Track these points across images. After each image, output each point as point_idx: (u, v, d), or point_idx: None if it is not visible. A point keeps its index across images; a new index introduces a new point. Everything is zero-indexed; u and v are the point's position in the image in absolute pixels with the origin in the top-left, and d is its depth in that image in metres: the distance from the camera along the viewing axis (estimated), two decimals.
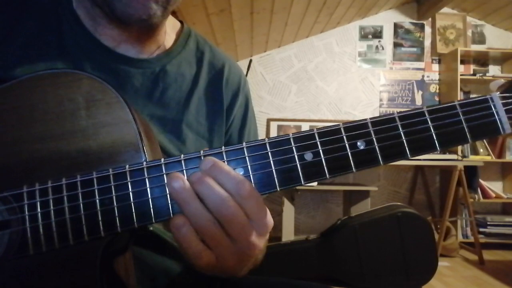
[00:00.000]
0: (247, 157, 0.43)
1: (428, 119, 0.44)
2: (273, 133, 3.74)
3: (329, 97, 3.82)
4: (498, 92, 0.46)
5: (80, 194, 0.42)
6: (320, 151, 0.43)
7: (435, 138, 0.44)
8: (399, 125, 0.44)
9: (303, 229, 3.71)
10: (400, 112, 0.45)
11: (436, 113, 0.45)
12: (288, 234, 2.88)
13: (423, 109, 0.45)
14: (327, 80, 3.82)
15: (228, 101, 0.71)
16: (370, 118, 0.44)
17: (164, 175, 0.42)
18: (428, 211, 3.68)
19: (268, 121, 3.73)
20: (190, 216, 0.40)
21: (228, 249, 0.42)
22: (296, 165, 0.43)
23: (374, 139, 0.44)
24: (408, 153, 0.44)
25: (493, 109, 0.45)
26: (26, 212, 0.42)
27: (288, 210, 2.92)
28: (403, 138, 0.44)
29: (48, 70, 0.48)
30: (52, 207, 0.42)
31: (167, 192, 0.42)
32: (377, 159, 0.44)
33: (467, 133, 0.44)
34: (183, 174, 0.42)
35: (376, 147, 0.44)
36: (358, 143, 0.44)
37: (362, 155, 0.44)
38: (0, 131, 0.45)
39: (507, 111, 0.45)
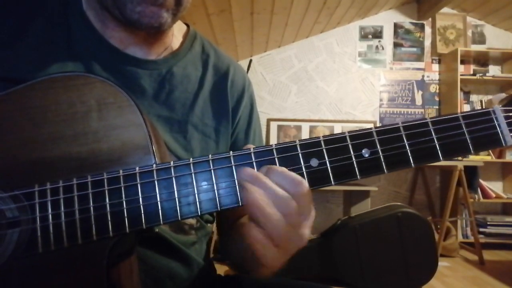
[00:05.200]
0: (254, 162, 0.44)
1: (432, 130, 0.46)
2: (273, 133, 3.74)
3: (329, 97, 3.82)
4: (500, 105, 0.47)
5: (90, 194, 0.43)
6: (326, 158, 0.45)
7: (438, 148, 0.46)
8: (404, 135, 0.46)
9: None
10: (405, 122, 0.46)
11: (440, 124, 0.46)
12: None
13: (427, 120, 0.46)
14: (327, 80, 3.83)
15: (234, 103, 0.72)
16: (375, 127, 0.46)
17: (173, 178, 0.43)
18: (428, 211, 3.69)
19: (268, 121, 3.74)
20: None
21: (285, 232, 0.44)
22: (302, 171, 0.44)
23: (379, 148, 0.45)
24: (411, 162, 0.45)
25: (495, 121, 0.47)
26: (37, 211, 0.43)
27: None
28: (407, 147, 0.45)
29: (60, 72, 0.49)
30: (62, 206, 0.43)
31: (176, 196, 0.43)
32: (381, 167, 0.45)
33: (470, 144, 0.46)
34: (192, 178, 0.43)
35: (381, 155, 0.45)
36: (363, 151, 0.45)
37: (366, 163, 0.45)
38: (13, 132, 0.46)
39: (508, 124, 0.47)
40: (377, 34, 3.86)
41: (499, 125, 0.46)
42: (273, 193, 0.42)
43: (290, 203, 0.42)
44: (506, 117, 0.46)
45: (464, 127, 0.46)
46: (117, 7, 0.56)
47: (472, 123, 0.46)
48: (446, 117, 0.46)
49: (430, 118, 0.46)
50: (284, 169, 0.43)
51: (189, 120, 0.66)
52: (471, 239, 3.26)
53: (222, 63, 0.74)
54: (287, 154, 0.44)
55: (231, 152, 0.44)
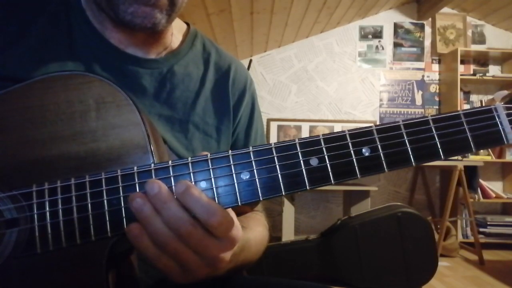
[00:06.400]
0: (253, 161, 0.44)
1: (433, 128, 0.45)
2: (273, 133, 3.74)
3: (329, 97, 3.82)
4: (502, 103, 0.47)
5: (88, 194, 0.42)
6: (326, 157, 0.44)
7: (439, 146, 0.45)
8: (404, 133, 0.45)
9: (303, 229, 3.71)
10: (405, 120, 0.45)
11: (441, 122, 0.45)
12: (288, 234, 2.89)
13: (428, 117, 0.46)
14: (327, 80, 3.83)
15: (235, 101, 0.72)
16: (376, 125, 0.45)
17: (172, 177, 0.42)
18: (428, 211, 3.69)
19: (268, 121, 3.74)
20: (151, 233, 0.40)
21: (194, 263, 0.42)
22: (302, 170, 0.44)
23: (379, 146, 0.44)
24: (412, 160, 0.44)
25: (497, 119, 0.46)
26: (35, 211, 0.42)
27: (288, 210, 2.92)
28: (408, 146, 0.45)
29: (59, 71, 0.49)
30: (60, 206, 0.42)
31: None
32: (382, 166, 0.44)
33: (471, 142, 0.45)
34: (191, 178, 0.43)
35: (381, 154, 0.44)
36: (363, 150, 0.44)
37: (367, 162, 0.44)
38: (11, 131, 0.46)
39: (510, 122, 0.46)
40: (377, 34, 3.86)
41: (501, 122, 0.46)
42: (168, 214, 0.40)
43: (187, 226, 0.40)
44: (508, 115, 0.46)
45: (465, 125, 0.45)
46: (111, 8, 0.56)
47: (473, 120, 0.46)
48: (447, 114, 0.46)
49: (431, 115, 0.46)
50: (203, 195, 0.40)
51: (190, 119, 0.66)
52: (471, 239, 3.26)
53: (223, 61, 0.73)
54: (287, 153, 0.44)
55: (230, 151, 0.44)
